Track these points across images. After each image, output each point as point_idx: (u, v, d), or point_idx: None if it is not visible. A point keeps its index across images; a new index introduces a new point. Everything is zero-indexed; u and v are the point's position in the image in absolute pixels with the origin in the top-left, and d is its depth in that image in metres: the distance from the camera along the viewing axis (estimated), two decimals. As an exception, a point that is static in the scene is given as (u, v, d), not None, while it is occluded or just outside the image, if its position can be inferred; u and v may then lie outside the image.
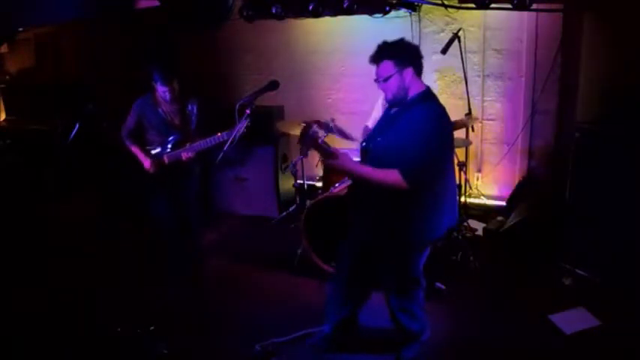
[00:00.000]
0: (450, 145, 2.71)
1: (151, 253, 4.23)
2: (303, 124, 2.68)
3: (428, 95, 2.62)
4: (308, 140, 2.62)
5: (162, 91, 3.68)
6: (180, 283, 3.89)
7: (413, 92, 2.61)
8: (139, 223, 4.62)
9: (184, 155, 3.71)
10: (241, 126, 3.14)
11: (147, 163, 3.81)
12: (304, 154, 2.78)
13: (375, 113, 4.20)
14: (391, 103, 2.70)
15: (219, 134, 3.50)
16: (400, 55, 2.58)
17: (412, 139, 2.48)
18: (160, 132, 3.82)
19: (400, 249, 2.73)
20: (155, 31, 5.50)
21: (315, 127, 2.66)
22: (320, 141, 2.62)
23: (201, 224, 4.37)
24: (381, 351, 3.12)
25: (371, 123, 4.15)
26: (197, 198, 4.12)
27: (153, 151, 3.86)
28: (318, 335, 3.18)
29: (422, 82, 2.65)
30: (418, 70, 2.62)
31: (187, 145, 3.72)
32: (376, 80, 2.64)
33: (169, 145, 3.81)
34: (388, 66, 2.58)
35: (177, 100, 3.79)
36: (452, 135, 2.70)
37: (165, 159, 3.80)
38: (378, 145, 2.65)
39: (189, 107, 3.87)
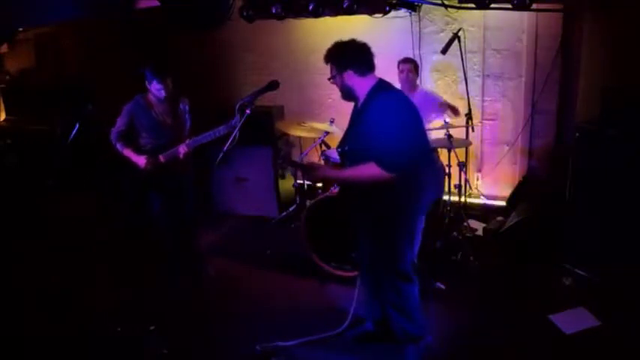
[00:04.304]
0: (416, 125, 2.75)
1: (151, 252, 4.23)
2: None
3: (381, 86, 2.74)
4: (286, 163, 2.78)
5: (157, 89, 3.64)
6: (181, 282, 3.89)
7: (365, 89, 2.73)
8: (138, 223, 4.61)
9: (181, 150, 3.65)
10: (239, 125, 3.14)
11: (141, 160, 3.70)
12: (291, 172, 3.00)
13: None
14: (344, 99, 2.86)
15: (216, 129, 3.49)
16: (338, 60, 2.75)
17: (376, 129, 2.61)
18: (153, 134, 3.75)
19: (379, 227, 2.77)
20: (155, 31, 5.50)
21: (282, 153, 2.85)
22: (299, 159, 2.81)
23: (197, 225, 4.34)
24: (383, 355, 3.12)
25: None
26: (194, 199, 4.07)
27: (146, 148, 3.78)
28: (360, 331, 3.24)
29: (371, 76, 2.75)
30: (361, 69, 2.71)
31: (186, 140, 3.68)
32: (328, 78, 2.84)
33: (164, 146, 3.75)
34: (332, 68, 2.79)
35: (170, 99, 3.75)
36: (416, 116, 2.76)
37: (161, 158, 3.73)
38: (351, 145, 2.79)
39: (182, 106, 3.84)
